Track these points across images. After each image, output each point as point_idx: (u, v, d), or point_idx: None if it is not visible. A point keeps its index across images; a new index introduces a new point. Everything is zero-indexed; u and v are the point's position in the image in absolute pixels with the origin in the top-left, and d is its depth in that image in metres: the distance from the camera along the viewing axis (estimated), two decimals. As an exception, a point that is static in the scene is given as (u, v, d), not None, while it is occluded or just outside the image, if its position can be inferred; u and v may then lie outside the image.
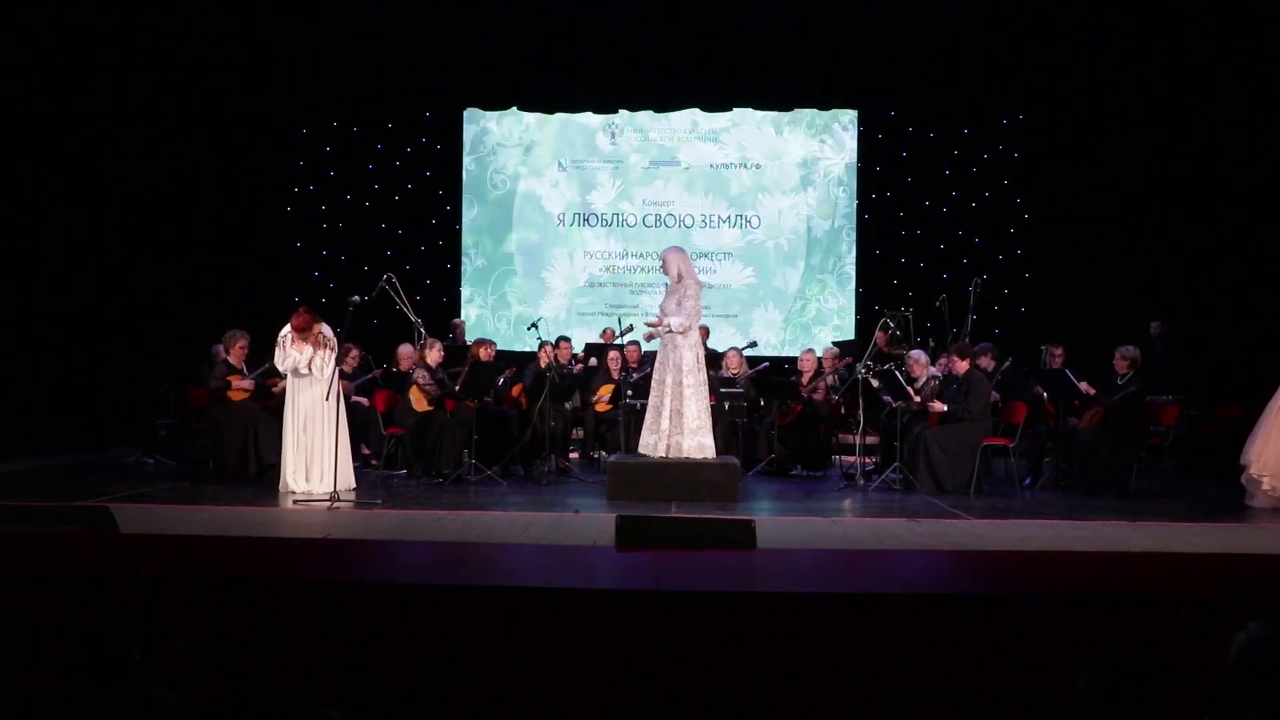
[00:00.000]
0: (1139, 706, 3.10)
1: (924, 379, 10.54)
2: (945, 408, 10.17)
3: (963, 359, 10.36)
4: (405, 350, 11.50)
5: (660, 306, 9.88)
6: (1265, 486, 9.15)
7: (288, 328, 9.44)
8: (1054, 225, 14.73)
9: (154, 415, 11.66)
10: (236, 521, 7.92)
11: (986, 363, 10.92)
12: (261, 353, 10.57)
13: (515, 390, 11.41)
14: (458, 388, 10.50)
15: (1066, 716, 3.45)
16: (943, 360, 10.88)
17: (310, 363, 9.36)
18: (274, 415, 9.91)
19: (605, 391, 11.93)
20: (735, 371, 11.93)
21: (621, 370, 11.89)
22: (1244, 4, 12.41)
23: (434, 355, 10.73)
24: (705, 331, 11.67)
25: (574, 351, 12.60)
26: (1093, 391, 10.43)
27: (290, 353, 9.40)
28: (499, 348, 11.75)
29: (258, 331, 10.54)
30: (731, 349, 12.32)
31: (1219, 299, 12.88)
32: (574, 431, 12.30)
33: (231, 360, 10.50)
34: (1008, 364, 11.15)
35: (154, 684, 3.17)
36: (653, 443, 9.63)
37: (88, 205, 12.67)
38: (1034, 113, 14.94)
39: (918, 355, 10.84)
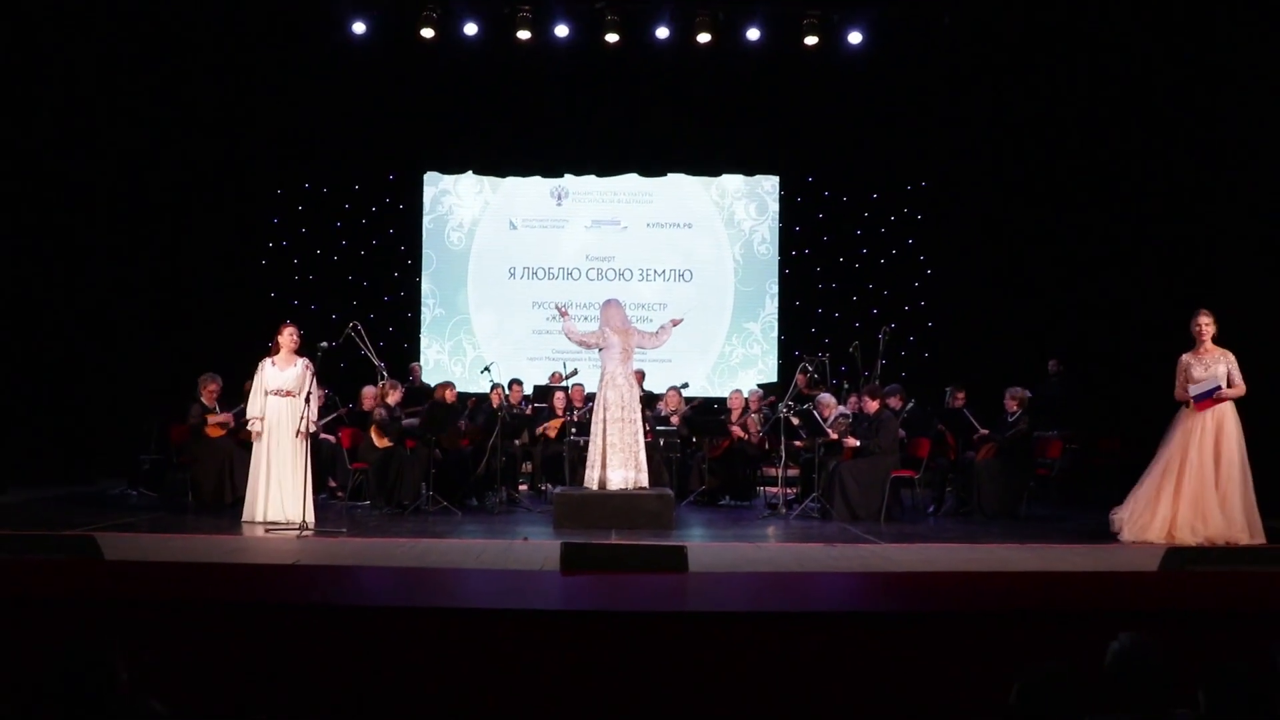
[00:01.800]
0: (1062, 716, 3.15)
1: (833, 417, 10.64)
2: (858, 443, 10.27)
3: (874, 399, 10.47)
4: (369, 391, 11.46)
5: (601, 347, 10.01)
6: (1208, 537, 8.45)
7: (267, 359, 9.42)
8: (953, 279, 14.95)
9: (137, 451, 11.53)
10: (213, 549, 7.86)
11: (895, 402, 11.04)
12: (234, 394, 10.53)
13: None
14: (417, 422, 10.49)
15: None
16: (853, 400, 11.00)
17: (288, 380, 9.33)
18: (248, 450, 9.83)
19: (555, 425, 11.94)
20: (674, 409, 11.97)
21: (566, 409, 11.91)
22: (1110, 75, 12.72)
23: (394, 396, 10.71)
24: (641, 375, 11.70)
25: (525, 393, 12.60)
26: (986, 431, 10.59)
27: (270, 369, 9.37)
28: (456, 389, 11.73)
29: (234, 372, 10.48)
30: (671, 389, 12.38)
31: (1101, 344, 13.11)
32: (523, 466, 12.28)
33: (205, 401, 10.46)
34: (911, 404, 11.28)
35: (147, 699, 3.14)
36: (593, 476, 9.67)
37: (79, 256, 12.59)
38: (934, 180, 15.20)
39: (826, 398, 10.96)
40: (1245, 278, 10.48)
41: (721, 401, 12.84)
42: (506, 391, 11.95)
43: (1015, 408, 10.56)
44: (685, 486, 11.54)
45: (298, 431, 9.26)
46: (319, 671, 4.64)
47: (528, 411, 12.29)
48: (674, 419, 11.76)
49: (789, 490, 11.16)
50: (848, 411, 10.77)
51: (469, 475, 10.98)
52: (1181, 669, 3.25)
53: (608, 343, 9.82)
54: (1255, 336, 9.15)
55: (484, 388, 12.27)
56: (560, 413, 11.97)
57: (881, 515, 10.04)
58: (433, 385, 11.89)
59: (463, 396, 11.98)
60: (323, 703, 4.50)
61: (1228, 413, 8.57)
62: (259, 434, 9.38)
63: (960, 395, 11.62)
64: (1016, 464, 10.48)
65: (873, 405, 10.44)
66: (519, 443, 11.85)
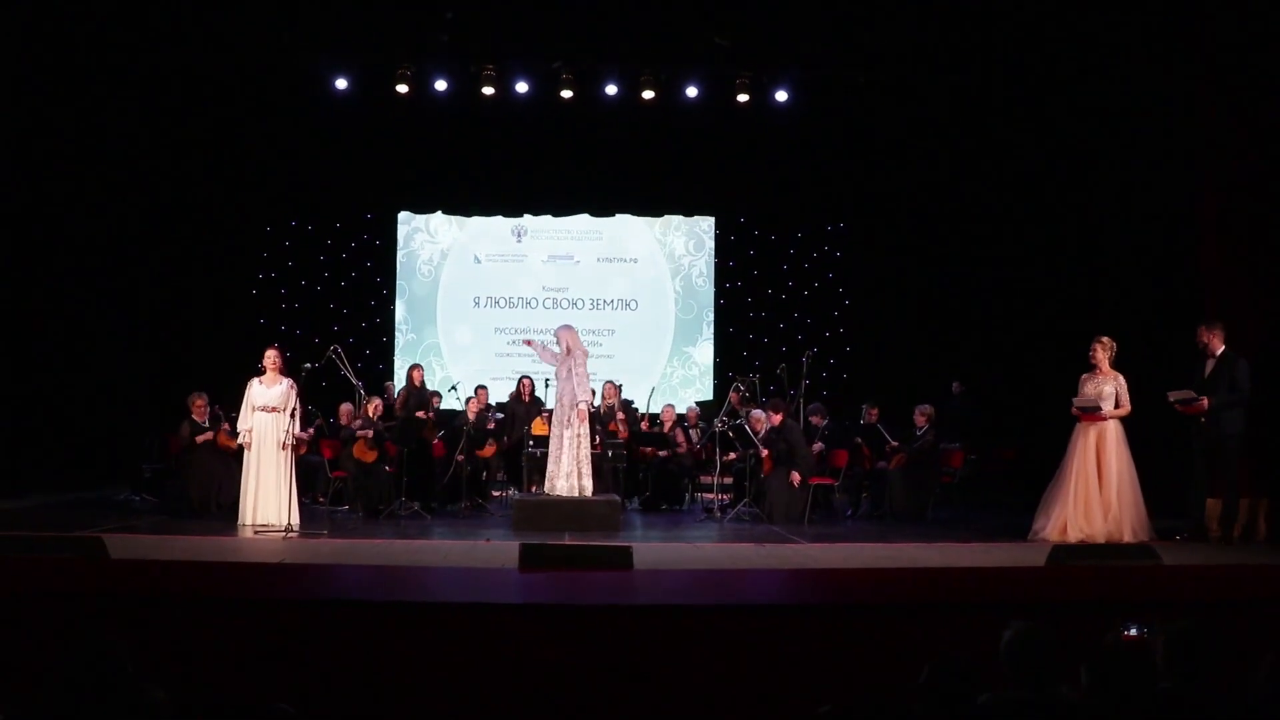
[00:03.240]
0: (964, 694, 3.18)
1: (764, 431, 10.67)
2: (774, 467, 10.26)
3: (776, 412, 10.48)
4: (346, 408, 11.45)
5: (554, 369, 9.94)
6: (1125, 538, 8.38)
7: (255, 379, 9.40)
8: (868, 310, 15.14)
9: (140, 460, 11.40)
10: (208, 549, 7.76)
11: (817, 420, 11.11)
12: (225, 406, 10.40)
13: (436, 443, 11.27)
14: (387, 430, 10.41)
15: (881, 700, 3.53)
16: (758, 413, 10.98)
17: (274, 397, 9.30)
18: (237, 460, 9.75)
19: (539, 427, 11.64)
20: (611, 400, 11.86)
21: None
22: (1008, 127, 12.98)
23: (372, 408, 10.62)
24: (594, 394, 11.66)
25: (488, 401, 12.41)
26: (897, 444, 10.69)
27: (258, 388, 9.35)
28: (423, 370, 11.68)
29: (227, 389, 10.37)
30: (607, 383, 12.28)
31: (998, 366, 13.31)
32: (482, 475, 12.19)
33: (195, 417, 10.36)
34: (828, 421, 11.36)
35: (149, 684, 3.09)
36: (551, 485, 9.64)
37: (91, 287, 12.50)
38: (852, 222, 15.39)
39: (757, 414, 10.96)
40: (1126, 312, 10.69)
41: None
42: (472, 396, 11.80)
43: (923, 422, 10.68)
44: (631, 493, 11.53)
45: (282, 444, 9.22)
46: (303, 658, 4.61)
47: (490, 425, 12.17)
48: (618, 420, 11.60)
49: (723, 496, 11.19)
50: (775, 425, 10.82)
51: (437, 483, 10.93)
52: (1064, 651, 3.31)
53: (575, 363, 9.78)
54: (1145, 361, 9.35)
55: (450, 403, 12.25)
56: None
57: (804, 517, 10.08)
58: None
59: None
60: (307, 686, 4.47)
61: (1110, 427, 8.69)
62: (249, 444, 9.31)
63: (874, 411, 11.72)
64: (924, 472, 10.58)
65: (776, 418, 10.46)
66: (480, 455, 11.76)
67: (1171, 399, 8.61)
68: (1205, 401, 8.46)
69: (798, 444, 10.31)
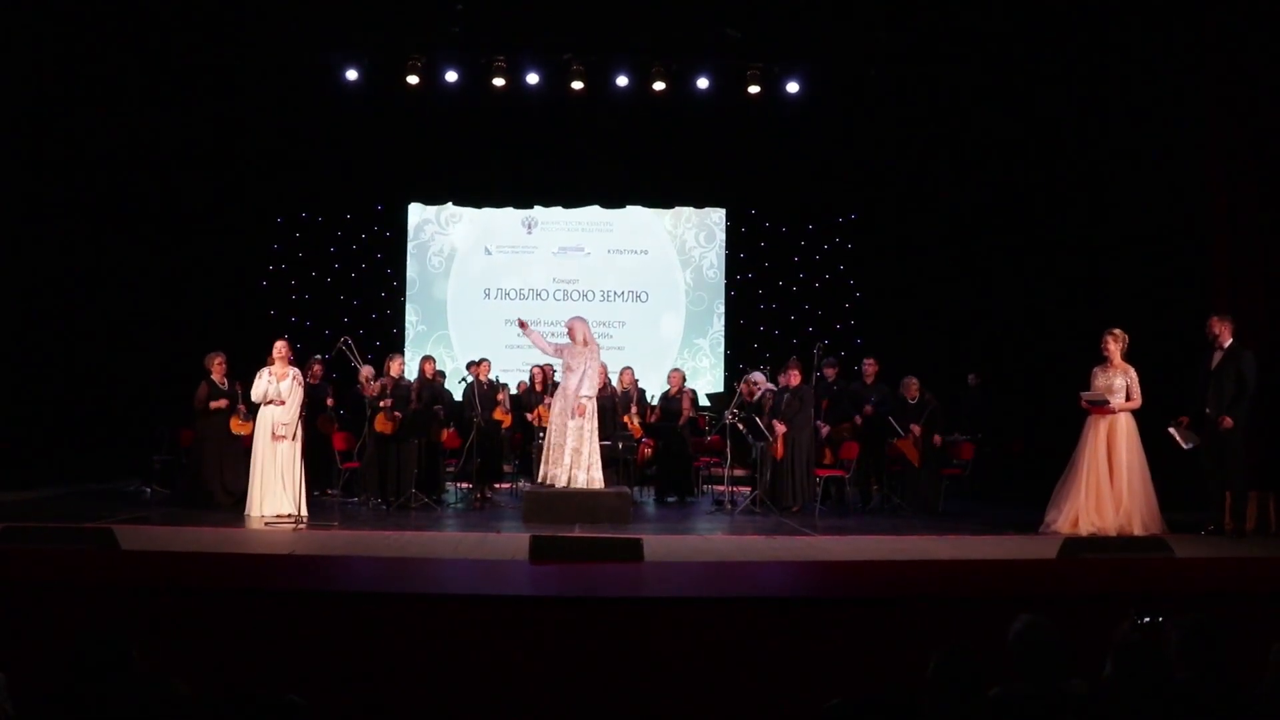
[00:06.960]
0: (973, 688, 3.18)
1: (761, 394, 10.58)
2: (784, 428, 10.23)
3: (794, 370, 10.46)
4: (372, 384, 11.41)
5: (564, 359, 9.86)
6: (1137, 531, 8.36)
7: (265, 369, 9.43)
8: (879, 301, 15.12)
9: (150, 452, 11.43)
10: (218, 540, 7.80)
11: (831, 373, 11.08)
12: (240, 372, 10.30)
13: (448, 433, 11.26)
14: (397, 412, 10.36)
15: (890, 693, 3.52)
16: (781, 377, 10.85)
17: (284, 390, 9.38)
18: (246, 452, 9.76)
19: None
20: (628, 387, 11.82)
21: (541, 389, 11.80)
22: (1019, 118, 12.91)
23: (395, 367, 10.51)
24: (606, 375, 11.65)
25: (491, 376, 12.22)
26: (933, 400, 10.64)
27: (266, 379, 9.40)
28: (434, 362, 11.62)
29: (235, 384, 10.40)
30: (626, 368, 12.27)
31: (1008, 358, 13.26)
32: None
33: (215, 379, 10.13)
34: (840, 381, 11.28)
35: (171, 679, 3.09)
36: (555, 475, 9.62)
37: (104, 280, 12.58)
38: (863, 213, 15.37)
39: (755, 377, 10.83)
40: (1138, 305, 10.65)
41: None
42: (475, 375, 11.58)
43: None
44: (640, 485, 11.53)
45: (293, 434, 9.27)
46: (313, 650, 4.63)
47: (501, 395, 11.88)
48: (632, 414, 11.57)
49: (736, 489, 11.16)
50: (773, 387, 10.73)
51: (443, 476, 10.96)
52: (1074, 645, 3.30)
53: (585, 356, 9.76)
54: (1156, 353, 9.33)
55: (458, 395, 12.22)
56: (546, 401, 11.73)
57: (814, 498, 10.16)
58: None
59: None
60: (317, 678, 4.48)
61: (1121, 420, 8.69)
62: (244, 418, 9.53)
63: (914, 383, 11.25)
64: (934, 464, 10.57)
65: (795, 378, 10.41)
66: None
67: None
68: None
69: (805, 404, 10.26)
